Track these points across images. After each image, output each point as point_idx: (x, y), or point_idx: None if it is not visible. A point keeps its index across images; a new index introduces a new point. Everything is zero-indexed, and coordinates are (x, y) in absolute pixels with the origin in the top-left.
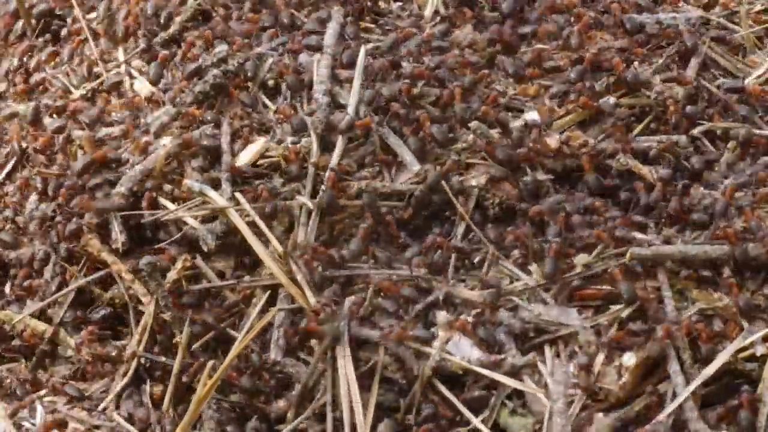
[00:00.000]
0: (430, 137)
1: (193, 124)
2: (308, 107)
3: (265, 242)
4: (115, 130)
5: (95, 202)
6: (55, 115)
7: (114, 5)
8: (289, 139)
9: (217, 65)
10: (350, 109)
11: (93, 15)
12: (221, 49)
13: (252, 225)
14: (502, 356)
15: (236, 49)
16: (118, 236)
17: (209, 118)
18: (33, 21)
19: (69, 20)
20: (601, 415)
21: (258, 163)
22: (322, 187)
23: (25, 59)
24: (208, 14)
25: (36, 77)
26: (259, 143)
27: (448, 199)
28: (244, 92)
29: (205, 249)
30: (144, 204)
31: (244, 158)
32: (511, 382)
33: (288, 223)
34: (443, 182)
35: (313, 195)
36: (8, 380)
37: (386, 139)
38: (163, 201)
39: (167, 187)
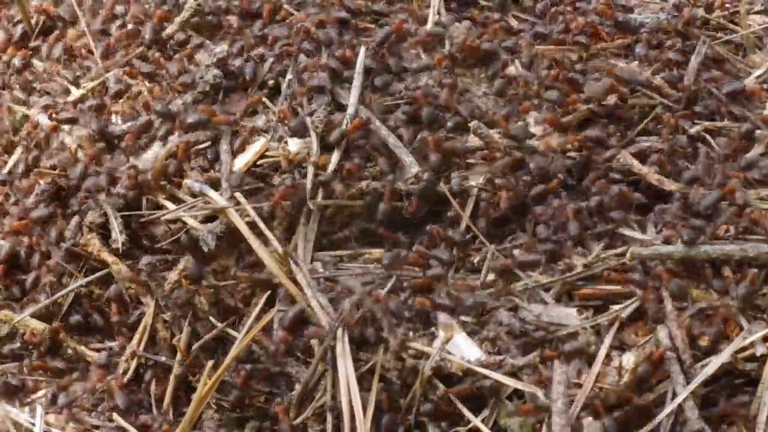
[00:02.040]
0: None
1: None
2: (308, 107)
3: (265, 242)
4: (115, 129)
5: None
6: (55, 115)
7: (114, 6)
8: (290, 146)
9: (217, 65)
10: (350, 110)
11: (93, 15)
12: (221, 49)
13: (252, 225)
14: (502, 357)
15: (236, 50)
16: (119, 236)
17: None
18: (33, 22)
19: (69, 20)
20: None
21: (258, 162)
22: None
23: (25, 60)
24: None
25: (36, 78)
26: (258, 143)
27: (448, 199)
28: (243, 92)
29: (206, 249)
30: (144, 204)
31: (244, 159)
32: (511, 382)
33: (288, 223)
34: (443, 185)
35: (313, 195)
36: (8, 380)
37: (386, 140)
38: (163, 201)
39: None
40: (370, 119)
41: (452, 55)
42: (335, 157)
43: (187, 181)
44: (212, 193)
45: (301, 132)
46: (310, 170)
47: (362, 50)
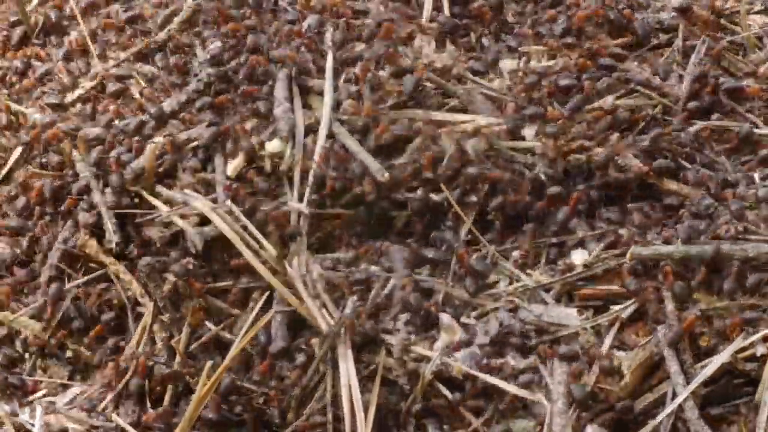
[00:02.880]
0: None
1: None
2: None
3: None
4: (111, 130)
5: None
6: (53, 115)
7: (113, 5)
8: (269, 148)
9: (210, 63)
10: (324, 119)
11: (92, 16)
12: (215, 46)
13: (245, 229)
14: (503, 360)
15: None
16: (112, 237)
17: (205, 116)
18: (32, 23)
19: (68, 20)
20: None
21: (253, 165)
22: None
23: (25, 60)
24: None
25: (35, 79)
26: (248, 146)
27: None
28: (236, 93)
29: (193, 251)
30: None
31: (236, 162)
32: (513, 389)
33: (283, 227)
34: (443, 186)
35: (300, 199)
36: (7, 381)
37: (354, 152)
38: (155, 202)
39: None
40: (339, 133)
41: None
42: (314, 166)
43: (169, 193)
44: (196, 202)
45: (286, 136)
46: (297, 174)
47: (330, 55)
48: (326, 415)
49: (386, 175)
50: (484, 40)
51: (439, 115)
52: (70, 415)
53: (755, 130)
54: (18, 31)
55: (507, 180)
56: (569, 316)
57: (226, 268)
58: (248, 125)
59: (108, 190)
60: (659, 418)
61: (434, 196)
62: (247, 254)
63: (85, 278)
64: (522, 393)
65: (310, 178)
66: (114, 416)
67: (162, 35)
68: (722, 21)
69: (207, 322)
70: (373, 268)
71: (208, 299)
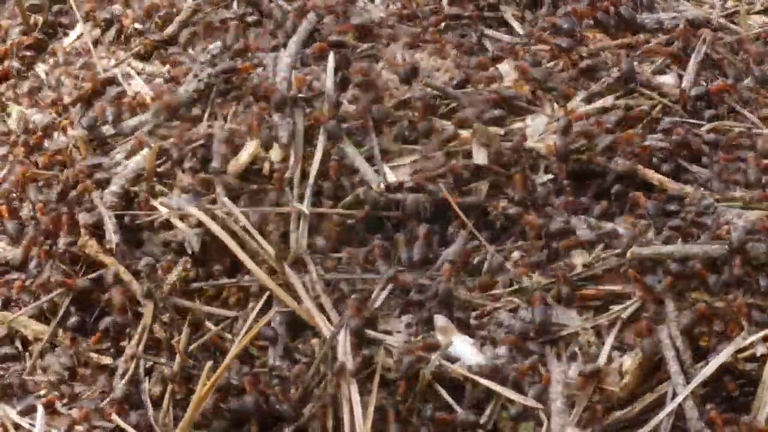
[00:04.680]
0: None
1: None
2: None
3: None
4: (111, 129)
5: None
6: (53, 115)
7: (113, 6)
8: (273, 154)
9: (211, 63)
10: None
11: (91, 15)
12: (215, 46)
13: (244, 231)
14: (503, 361)
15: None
16: (112, 236)
17: (204, 117)
18: (31, 22)
19: (67, 20)
20: None
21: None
22: None
23: (24, 60)
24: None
25: (34, 78)
26: (249, 147)
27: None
28: (237, 93)
29: (190, 251)
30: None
31: (235, 164)
32: (511, 394)
33: (281, 229)
34: (442, 186)
35: (300, 199)
36: (7, 381)
37: (352, 157)
38: (154, 202)
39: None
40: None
41: None
42: (314, 170)
43: (164, 200)
44: (191, 208)
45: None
46: (296, 177)
47: (331, 55)
48: (326, 415)
49: (382, 185)
50: (485, 42)
51: (438, 120)
52: (69, 415)
53: (755, 131)
54: (17, 31)
55: (509, 181)
56: (569, 316)
57: (225, 268)
58: (248, 126)
59: (108, 190)
60: (659, 417)
61: (434, 198)
62: (244, 258)
63: (85, 278)
64: (521, 399)
65: (310, 180)
66: (114, 416)
67: (162, 35)
68: (722, 21)
69: (209, 321)
70: (373, 268)
71: (208, 299)
